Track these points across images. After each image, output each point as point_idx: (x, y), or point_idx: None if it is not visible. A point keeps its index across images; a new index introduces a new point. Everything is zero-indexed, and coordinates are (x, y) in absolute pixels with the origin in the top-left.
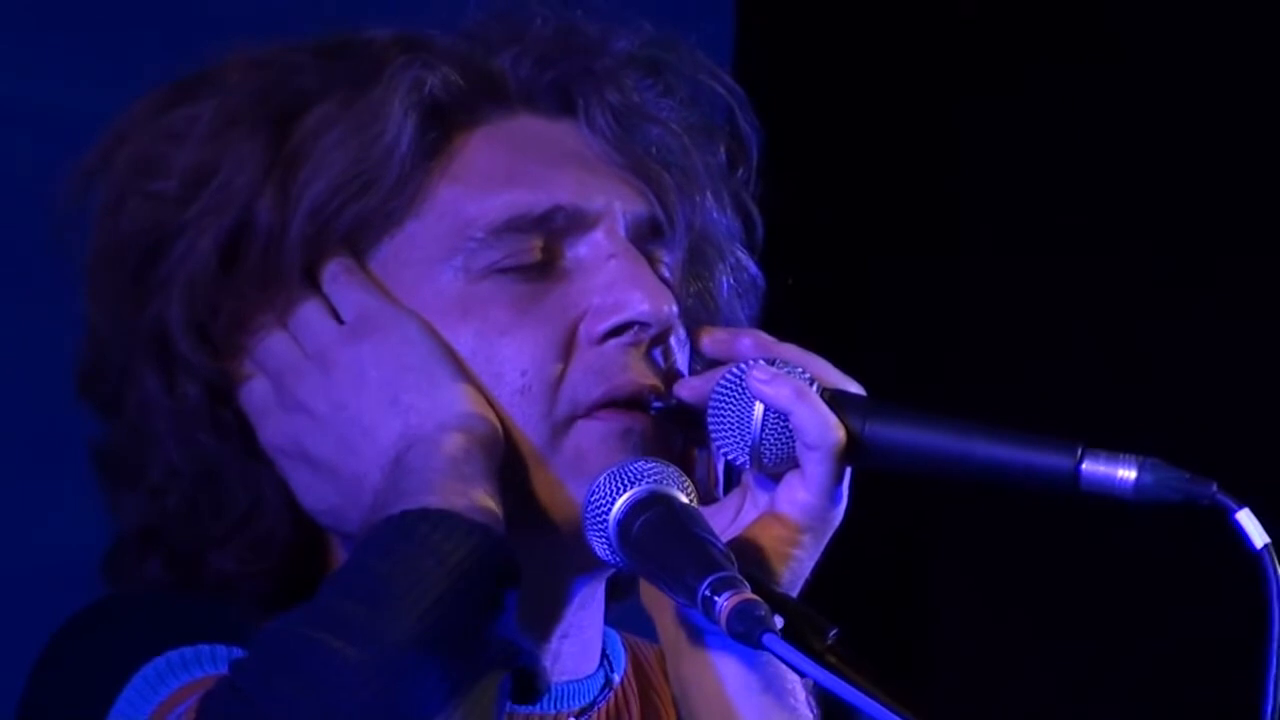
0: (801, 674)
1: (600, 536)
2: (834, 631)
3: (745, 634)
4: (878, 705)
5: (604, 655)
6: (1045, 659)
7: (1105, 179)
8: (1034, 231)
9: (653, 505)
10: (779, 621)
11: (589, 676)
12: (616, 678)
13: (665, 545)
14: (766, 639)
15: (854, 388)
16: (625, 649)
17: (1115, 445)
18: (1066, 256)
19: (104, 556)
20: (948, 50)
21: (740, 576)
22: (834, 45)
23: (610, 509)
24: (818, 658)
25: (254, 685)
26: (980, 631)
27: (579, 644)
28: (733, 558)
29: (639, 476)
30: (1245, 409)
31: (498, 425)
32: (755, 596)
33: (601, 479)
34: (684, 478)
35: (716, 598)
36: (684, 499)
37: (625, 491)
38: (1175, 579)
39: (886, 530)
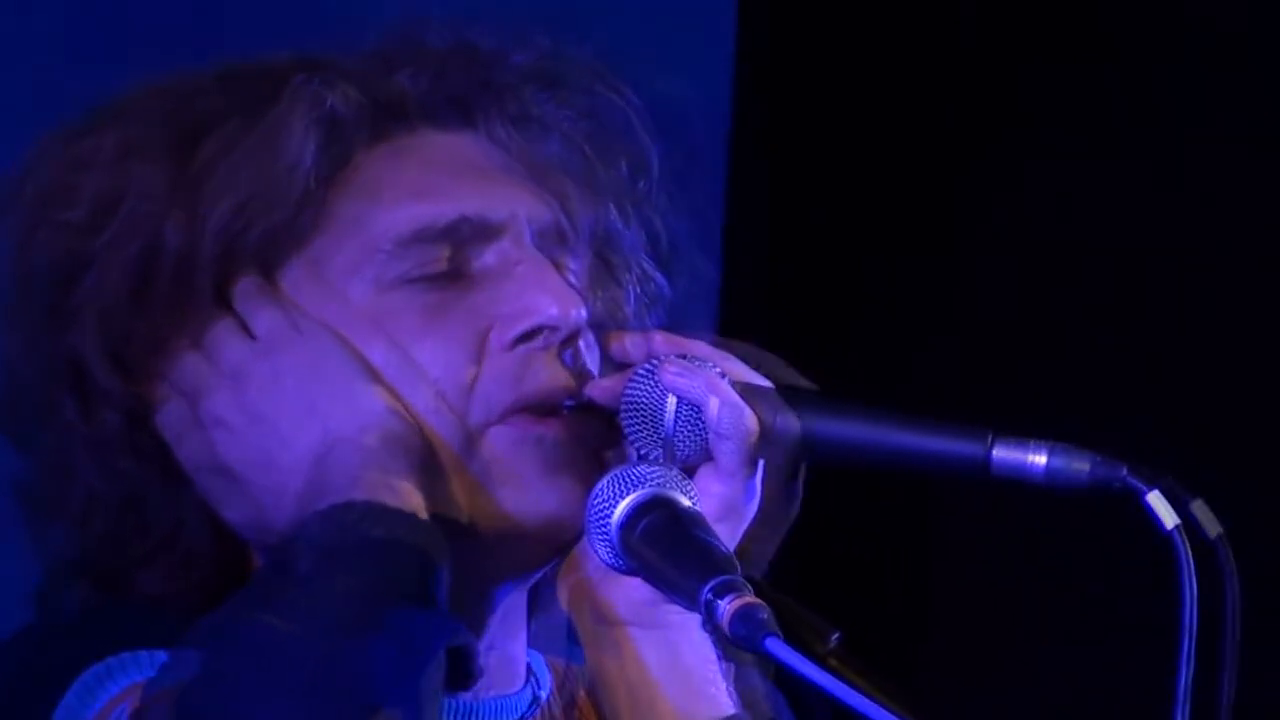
0: (804, 678)
1: (603, 540)
2: (836, 635)
3: (747, 637)
4: (880, 709)
5: (530, 673)
6: (1040, 657)
7: (1103, 179)
8: (1029, 232)
9: (655, 508)
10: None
11: (516, 693)
12: (544, 695)
13: (668, 548)
14: (768, 643)
15: (764, 382)
16: (549, 668)
17: (1111, 444)
18: (1061, 257)
19: (35, 591)
20: (944, 51)
21: (743, 580)
22: (833, 47)
23: (613, 512)
24: (819, 661)
25: (192, 666)
26: (975, 629)
27: (503, 658)
28: (735, 561)
29: (642, 480)
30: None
31: (414, 426)
32: (758, 600)
33: (604, 482)
34: (687, 481)
35: (719, 601)
36: (686, 502)
37: (628, 495)
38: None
39: (877, 529)
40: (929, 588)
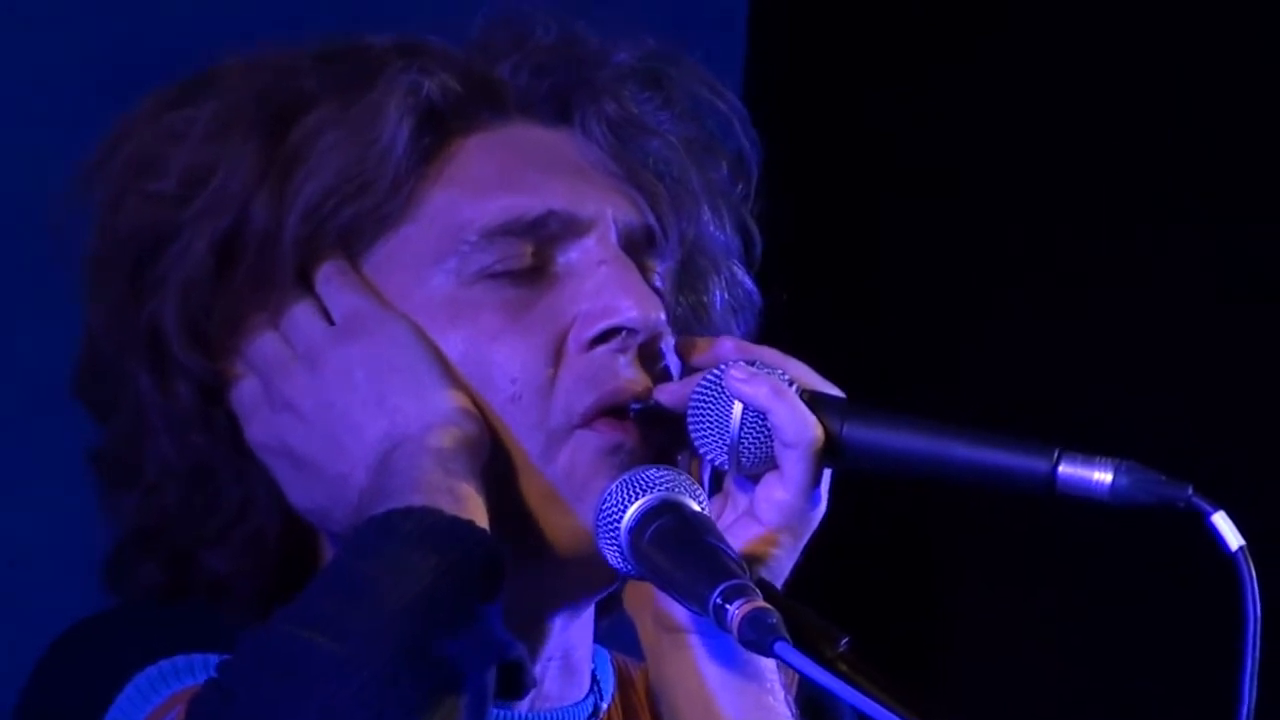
0: (813, 682)
1: (612, 545)
2: (845, 640)
3: (757, 642)
4: (889, 713)
5: (594, 680)
6: (1055, 659)
7: (1113, 189)
8: (1035, 246)
9: (664, 513)
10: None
11: (577, 703)
12: (604, 705)
13: (677, 553)
14: (778, 647)
15: (832, 390)
16: (614, 670)
17: (1120, 452)
18: (1068, 272)
19: (104, 561)
20: (958, 64)
21: (752, 584)
22: (845, 57)
23: (622, 517)
24: (829, 665)
25: (239, 684)
26: (990, 632)
27: (566, 668)
28: (744, 565)
29: (651, 484)
30: (1241, 414)
31: (484, 426)
32: (767, 605)
33: (614, 487)
34: (696, 485)
35: (728, 606)
36: (695, 506)
37: (637, 500)
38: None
39: (893, 529)
40: (941, 594)
